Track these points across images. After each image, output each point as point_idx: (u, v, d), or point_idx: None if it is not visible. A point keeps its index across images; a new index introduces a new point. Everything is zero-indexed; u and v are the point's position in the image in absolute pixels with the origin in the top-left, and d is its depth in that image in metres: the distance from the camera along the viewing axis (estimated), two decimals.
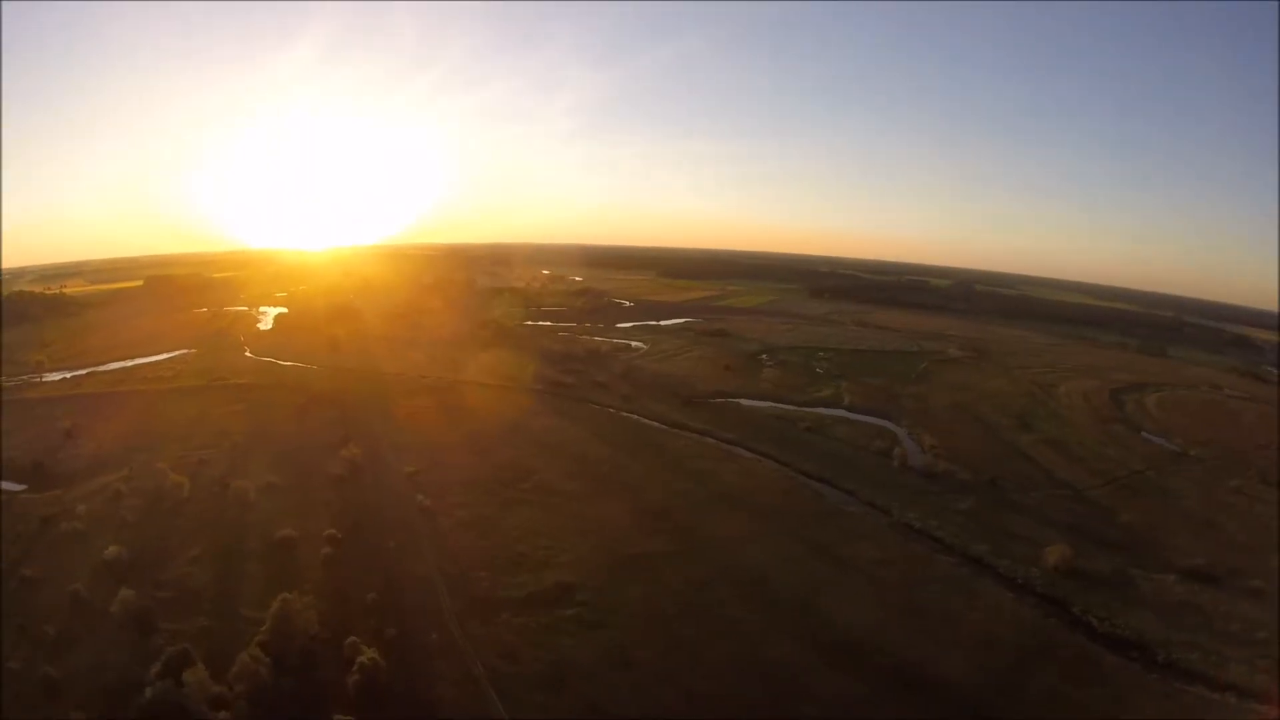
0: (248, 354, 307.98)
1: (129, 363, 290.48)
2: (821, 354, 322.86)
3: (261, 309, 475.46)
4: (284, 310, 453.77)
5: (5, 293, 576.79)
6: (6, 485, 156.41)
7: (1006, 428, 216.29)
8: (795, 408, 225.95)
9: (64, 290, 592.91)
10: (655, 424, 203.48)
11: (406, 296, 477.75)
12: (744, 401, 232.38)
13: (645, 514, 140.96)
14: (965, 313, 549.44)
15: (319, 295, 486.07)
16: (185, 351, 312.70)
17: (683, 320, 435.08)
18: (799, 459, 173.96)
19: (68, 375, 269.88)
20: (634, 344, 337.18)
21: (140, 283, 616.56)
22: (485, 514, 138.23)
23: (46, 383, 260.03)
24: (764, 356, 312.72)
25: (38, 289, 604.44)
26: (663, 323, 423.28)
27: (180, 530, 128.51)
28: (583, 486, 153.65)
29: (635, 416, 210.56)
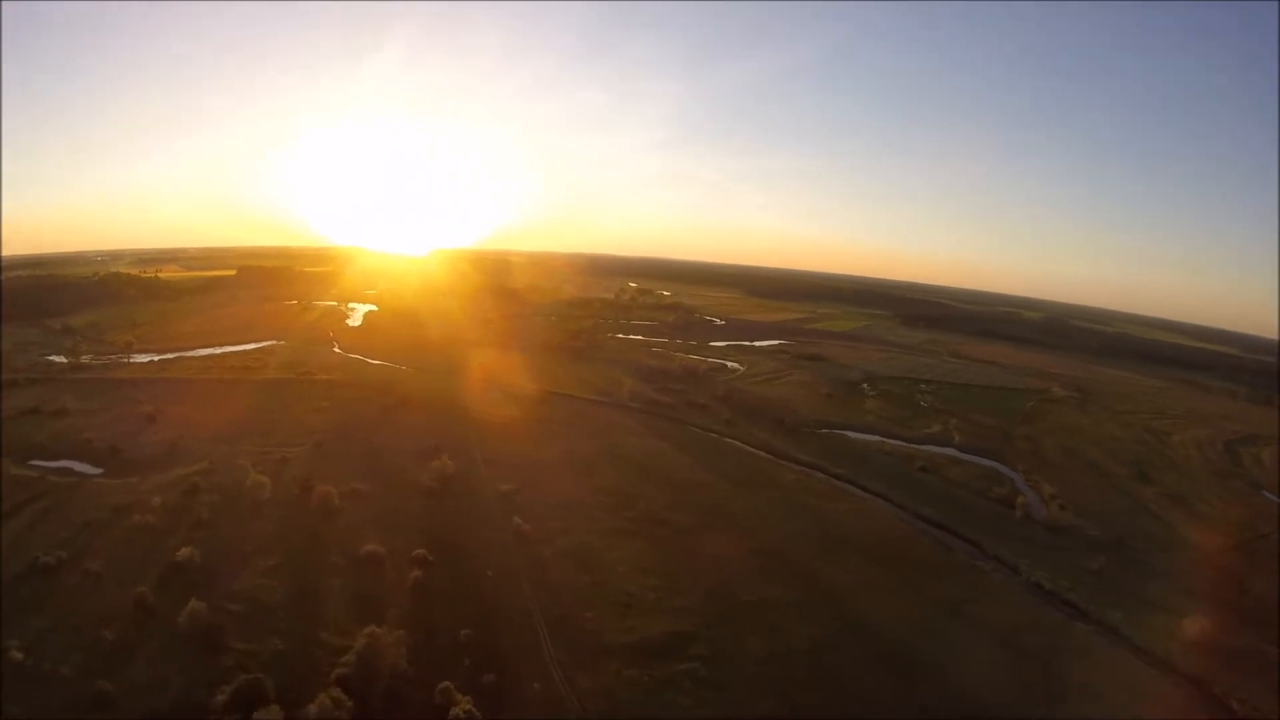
0: (336, 349, 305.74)
1: (217, 350, 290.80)
2: (924, 386, 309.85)
3: (351, 305, 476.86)
4: (373, 308, 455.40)
5: (103, 273, 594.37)
6: (81, 468, 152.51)
7: (1125, 478, 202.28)
8: (904, 444, 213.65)
9: (159, 274, 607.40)
10: (760, 453, 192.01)
11: (495, 301, 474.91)
12: (850, 433, 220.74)
13: (759, 554, 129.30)
14: (1061, 349, 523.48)
15: (408, 295, 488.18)
16: (274, 342, 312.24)
17: (776, 342, 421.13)
18: (916, 502, 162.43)
19: (155, 358, 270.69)
20: (730, 364, 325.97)
21: (233, 272, 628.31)
22: (588, 544, 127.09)
23: (133, 364, 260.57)
24: (864, 385, 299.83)
25: (134, 271, 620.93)
26: (756, 343, 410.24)
27: (258, 535, 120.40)
28: (691, 519, 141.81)
29: (738, 443, 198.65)
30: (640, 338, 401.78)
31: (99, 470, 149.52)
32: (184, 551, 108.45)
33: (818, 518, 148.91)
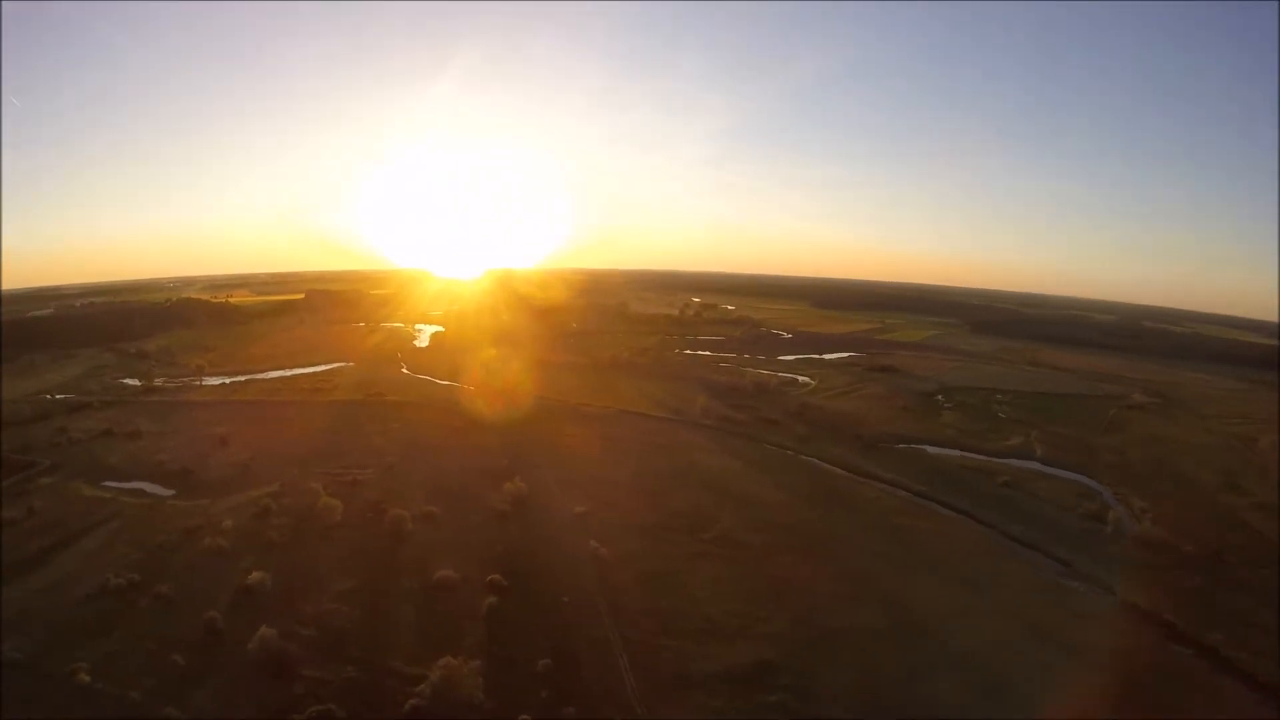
0: (404, 370, 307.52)
1: (287, 372, 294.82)
2: (999, 396, 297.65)
3: (417, 326, 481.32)
4: (440, 329, 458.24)
5: (175, 298, 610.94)
6: (153, 489, 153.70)
7: (1215, 489, 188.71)
8: (984, 457, 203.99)
9: (230, 299, 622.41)
10: (838, 470, 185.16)
11: (560, 320, 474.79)
12: (928, 448, 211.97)
13: (844, 578, 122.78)
14: (1135, 352, 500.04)
15: (473, 316, 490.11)
16: (342, 364, 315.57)
17: (846, 354, 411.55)
18: (1002, 519, 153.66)
19: (226, 381, 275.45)
20: (800, 378, 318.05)
21: (302, 295, 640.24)
22: (666, 568, 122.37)
23: (205, 386, 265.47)
24: (939, 397, 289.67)
25: (205, 297, 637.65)
26: (826, 356, 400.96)
27: (330, 559, 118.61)
28: (770, 540, 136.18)
29: (814, 460, 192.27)
30: (708, 353, 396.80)
31: (171, 492, 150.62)
32: (255, 575, 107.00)
33: (901, 538, 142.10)
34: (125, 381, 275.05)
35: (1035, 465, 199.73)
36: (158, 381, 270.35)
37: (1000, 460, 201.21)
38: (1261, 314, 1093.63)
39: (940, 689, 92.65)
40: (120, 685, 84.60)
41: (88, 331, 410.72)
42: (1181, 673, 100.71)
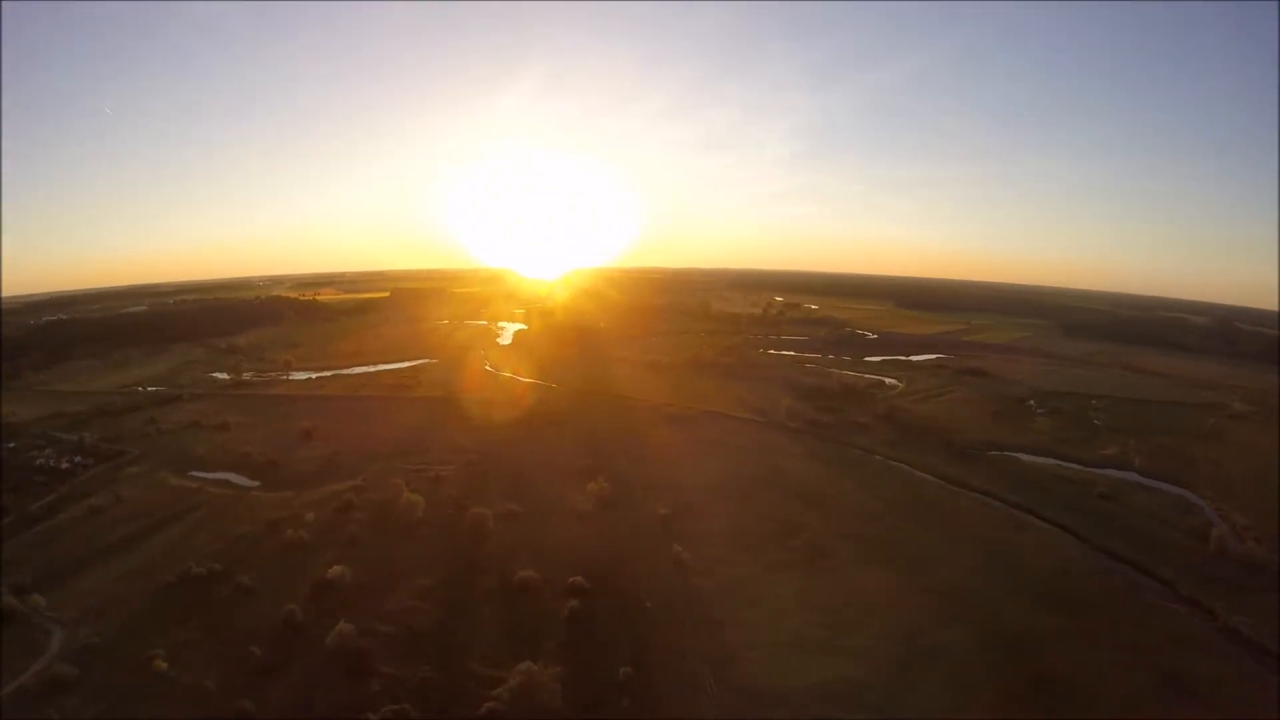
0: (487, 367, 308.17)
1: (371, 368, 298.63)
2: (1094, 402, 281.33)
3: (500, 324, 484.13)
4: (522, 327, 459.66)
5: (264, 295, 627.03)
6: (239, 480, 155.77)
7: None
8: (1080, 467, 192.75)
9: (317, 297, 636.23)
10: (928, 477, 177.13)
11: (641, 319, 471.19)
12: (1021, 456, 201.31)
13: (935, 593, 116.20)
14: (1230, 356, 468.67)
15: (555, 314, 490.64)
16: (426, 361, 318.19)
17: (933, 356, 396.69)
18: (1100, 534, 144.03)
19: (312, 376, 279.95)
20: (887, 380, 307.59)
21: (387, 294, 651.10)
22: (751, 575, 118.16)
23: (292, 381, 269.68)
24: (1031, 402, 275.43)
25: (293, 295, 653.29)
26: (913, 358, 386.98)
27: (410, 555, 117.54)
28: (859, 551, 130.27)
29: (904, 466, 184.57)
30: (792, 353, 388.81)
31: (256, 483, 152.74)
32: (335, 570, 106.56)
33: (996, 552, 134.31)
34: (214, 375, 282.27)
35: (1133, 476, 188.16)
36: (246, 376, 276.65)
37: (1097, 470, 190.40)
38: None
39: (1032, 707, 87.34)
40: (196, 674, 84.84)
41: (180, 327, 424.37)
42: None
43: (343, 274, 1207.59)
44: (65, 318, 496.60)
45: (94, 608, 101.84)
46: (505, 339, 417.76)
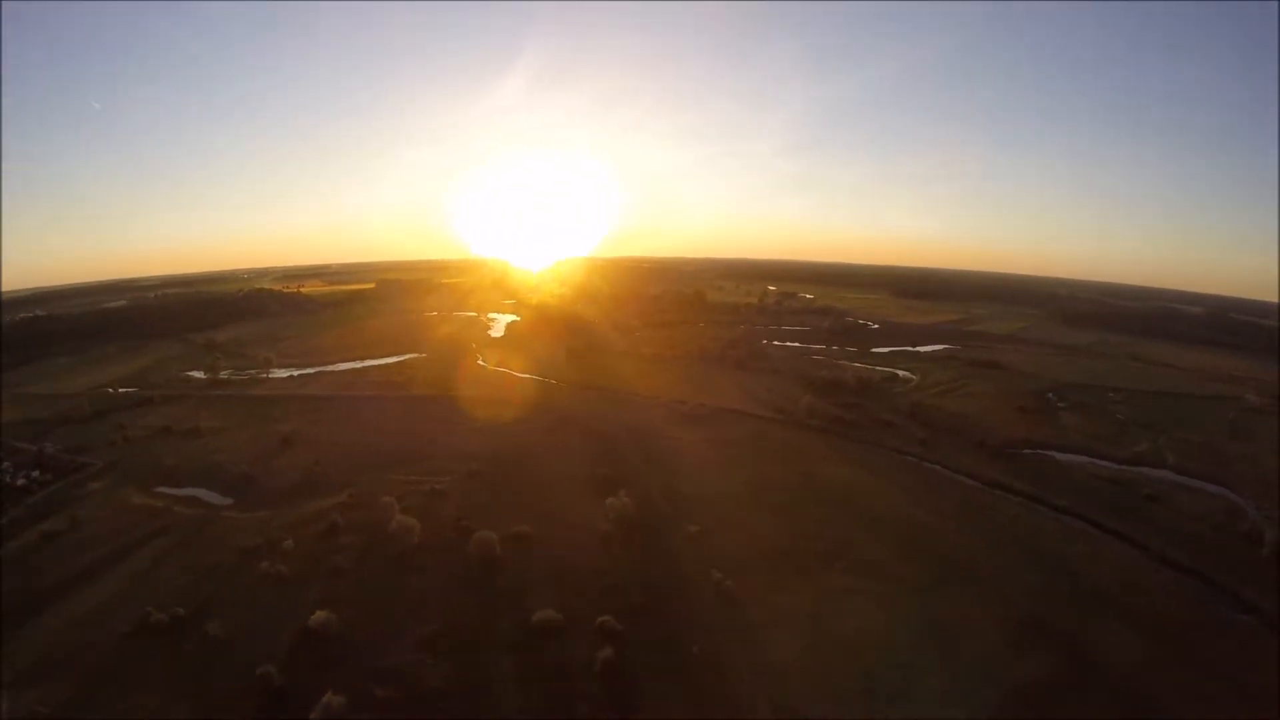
0: (480, 362, 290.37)
1: (358, 364, 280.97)
2: (1113, 395, 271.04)
3: (491, 316, 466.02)
4: (515, 318, 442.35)
5: (247, 289, 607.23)
6: (210, 497, 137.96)
7: None
8: (1116, 466, 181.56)
9: (301, 289, 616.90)
10: (968, 480, 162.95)
11: (637, 308, 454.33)
12: (1056, 454, 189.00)
13: (1011, 620, 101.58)
14: (1230, 347, 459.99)
15: (548, 304, 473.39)
16: (415, 355, 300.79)
17: (941, 347, 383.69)
18: (1156, 541, 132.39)
19: (295, 373, 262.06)
20: (900, 373, 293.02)
21: (373, 285, 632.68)
22: (805, 606, 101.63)
23: (273, 379, 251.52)
24: (1051, 395, 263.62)
25: (277, 287, 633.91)
26: (920, 349, 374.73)
27: (407, 592, 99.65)
28: (919, 571, 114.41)
29: (941, 468, 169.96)
30: (796, 344, 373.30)
31: (228, 501, 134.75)
32: (319, 615, 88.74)
33: (1058, 566, 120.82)
34: (190, 374, 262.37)
35: (1169, 475, 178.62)
36: (223, 374, 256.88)
37: (1133, 469, 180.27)
38: None
39: None
40: None
41: (160, 322, 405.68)
42: None
43: (328, 265, 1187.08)
44: (41, 314, 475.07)
45: (40, 667, 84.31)
46: (497, 331, 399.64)
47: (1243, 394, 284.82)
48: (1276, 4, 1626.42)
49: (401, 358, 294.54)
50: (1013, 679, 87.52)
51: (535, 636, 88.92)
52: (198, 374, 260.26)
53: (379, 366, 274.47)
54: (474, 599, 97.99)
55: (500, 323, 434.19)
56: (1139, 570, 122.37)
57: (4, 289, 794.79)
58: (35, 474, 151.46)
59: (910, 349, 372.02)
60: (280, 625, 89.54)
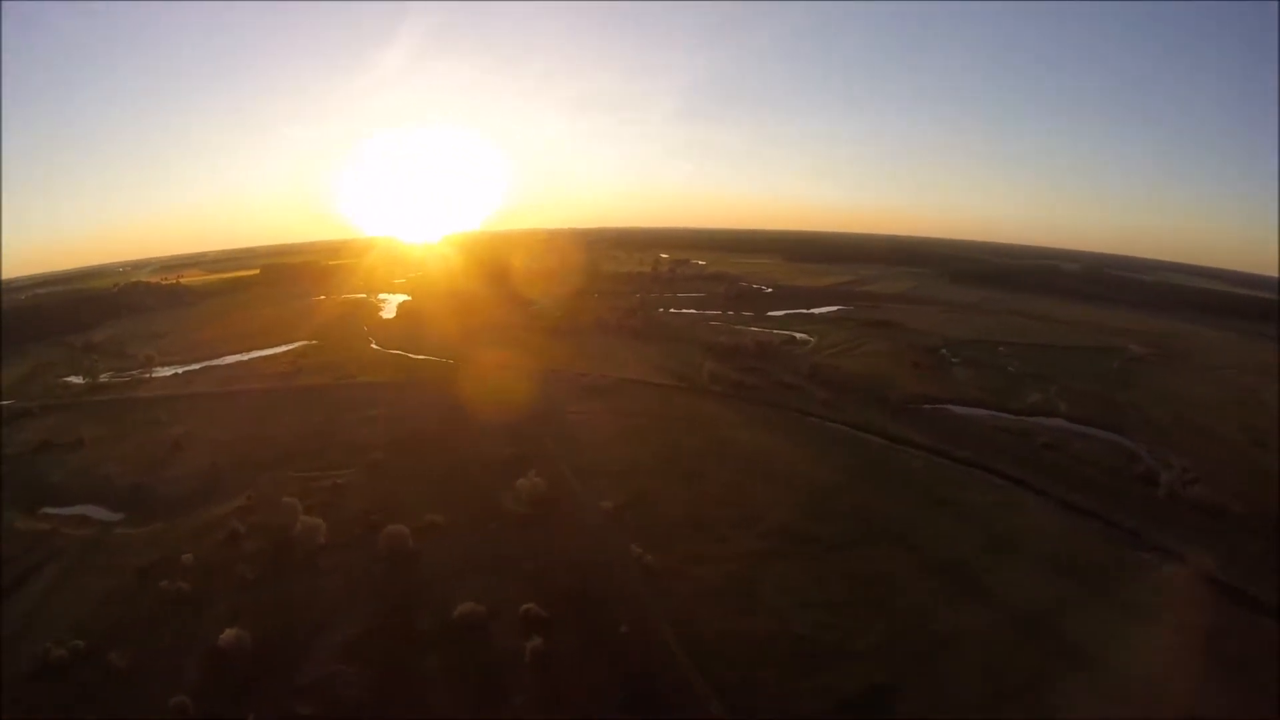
0: (374, 345, 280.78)
1: (246, 356, 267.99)
2: (1002, 349, 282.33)
3: (382, 296, 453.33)
4: (406, 298, 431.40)
5: (123, 283, 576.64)
6: (99, 513, 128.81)
7: (1244, 444, 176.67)
8: (1012, 416, 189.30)
9: (180, 280, 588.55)
10: (875, 438, 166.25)
11: (531, 281, 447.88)
12: (954, 408, 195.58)
13: (930, 571, 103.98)
14: (1110, 301, 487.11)
15: (439, 281, 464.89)
16: (306, 343, 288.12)
17: (835, 308, 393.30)
18: (1057, 487, 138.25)
19: (179, 371, 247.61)
20: (798, 335, 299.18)
21: (256, 271, 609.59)
22: (730, 574, 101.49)
23: (156, 379, 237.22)
24: (944, 352, 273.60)
25: (155, 279, 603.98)
26: (815, 311, 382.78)
27: (319, 598, 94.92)
28: (835, 529, 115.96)
29: (846, 428, 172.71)
30: (694, 311, 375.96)
31: (119, 516, 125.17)
32: (229, 633, 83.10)
33: (968, 516, 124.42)
34: (69, 380, 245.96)
35: (1063, 423, 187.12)
36: (104, 378, 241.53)
37: (1029, 419, 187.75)
38: (1220, 262, 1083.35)
39: (1065, 689, 79.02)
40: None
41: (34, 326, 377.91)
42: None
43: (207, 253, 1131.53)
44: None
45: None
46: (389, 312, 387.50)
47: (1125, 345, 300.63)
48: None
49: (291, 346, 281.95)
50: (942, 629, 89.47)
51: (459, 631, 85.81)
52: (76, 380, 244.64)
53: (268, 357, 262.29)
54: (391, 598, 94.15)
55: (392, 303, 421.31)
56: (1044, 515, 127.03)
57: None
58: None
59: (805, 311, 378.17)
60: (188, 649, 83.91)
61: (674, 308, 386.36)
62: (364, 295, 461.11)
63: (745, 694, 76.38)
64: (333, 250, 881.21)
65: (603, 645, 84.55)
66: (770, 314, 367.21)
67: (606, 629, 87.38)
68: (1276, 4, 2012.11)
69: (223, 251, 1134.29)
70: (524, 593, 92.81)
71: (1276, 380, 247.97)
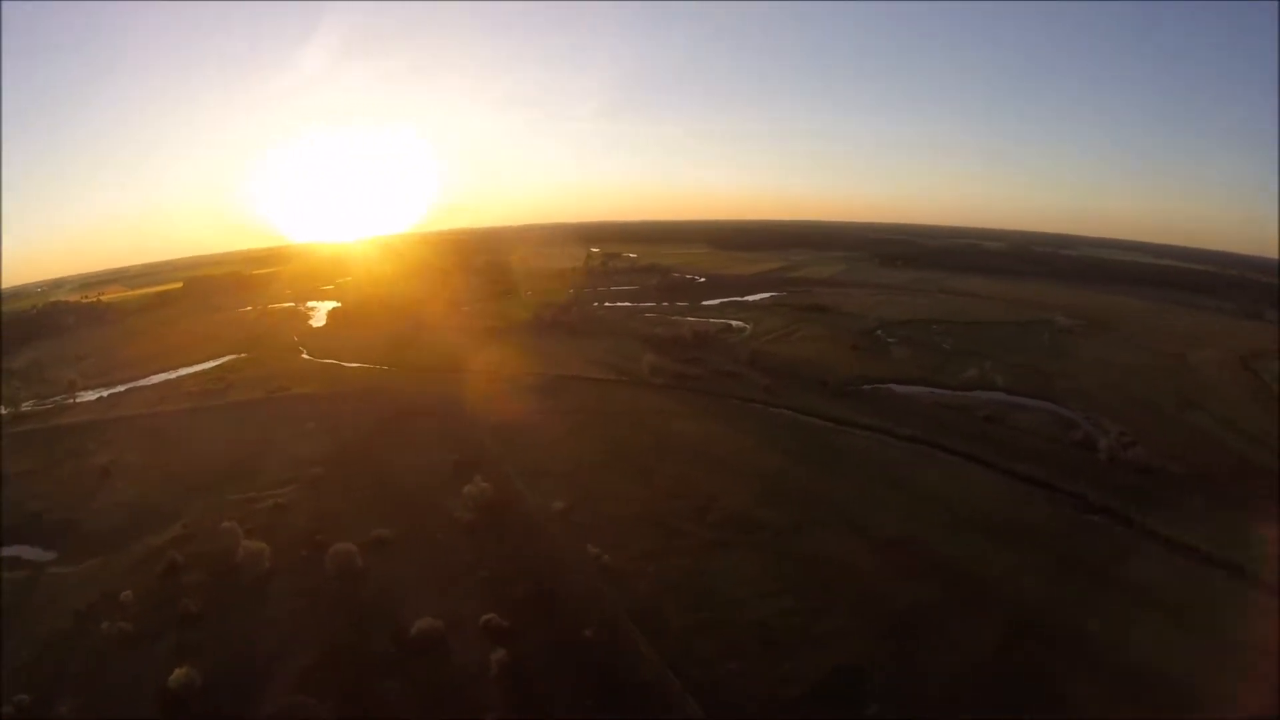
0: (305, 355, 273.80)
1: (173, 374, 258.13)
2: (935, 328, 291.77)
3: (310, 304, 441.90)
4: (336, 304, 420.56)
5: (42, 304, 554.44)
6: (31, 553, 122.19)
7: (1175, 408, 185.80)
8: (951, 392, 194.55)
9: (101, 298, 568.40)
10: (819, 421, 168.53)
11: (462, 281, 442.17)
12: (894, 387, 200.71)
13: (884, 550, 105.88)
14: (1033, 275, 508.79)
15: (369, 286, 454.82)
16: (235, 357, 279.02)
17: (768, 295, 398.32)
18: (1000, 457, 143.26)
19: (104, 394, 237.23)
20: (734, 323, 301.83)
21: (179, 285, 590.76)
22: (687, 567, 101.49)
23: (80, 404, 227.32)
24: (879, 333, 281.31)
25: (74, 298, 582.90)
26: (748, 298, 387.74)
27: (271, 627, 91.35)
28: (786, 515, 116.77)
29: (789, 412, 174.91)
30: (628, 304, 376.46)
31: (52, 554, 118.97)
32: (179, 673, 78.98)
33: (916, 492, 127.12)
34: None
35: (1000, 396, 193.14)
36: (25, 406, 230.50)
37: (967, 394, 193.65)
38: (1141, 235, 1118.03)
39: (1038, 662, 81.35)
40: None
41: None
42: (1238, 603, 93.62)
43: (128, 268, 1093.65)
44: None
45: None
46: (319, 320, 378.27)
47: (1053, 317, 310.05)
48: None
49: (219, 361, 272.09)
50: (900, 606, 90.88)
51: (419, 649, 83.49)
52: None
53: (195, 374, 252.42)
54: (344, 620, 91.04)
55: (322, 311, 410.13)
56: (991, 486, 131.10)
57: None
58: None
59: (739, 299, 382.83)
60: (137, 693, 79.56)
61: (608, 302, 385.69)
62: (292, 304, 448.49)
63: (715, 686, 76.31)
64: (258, 259, 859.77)
65: (569, 651, 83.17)
66: (705, 303, 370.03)
67: (571, 634, 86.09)
68: None
69: (144, 265, 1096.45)
70: (482, 603, 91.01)
71: (1202, 346, 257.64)
